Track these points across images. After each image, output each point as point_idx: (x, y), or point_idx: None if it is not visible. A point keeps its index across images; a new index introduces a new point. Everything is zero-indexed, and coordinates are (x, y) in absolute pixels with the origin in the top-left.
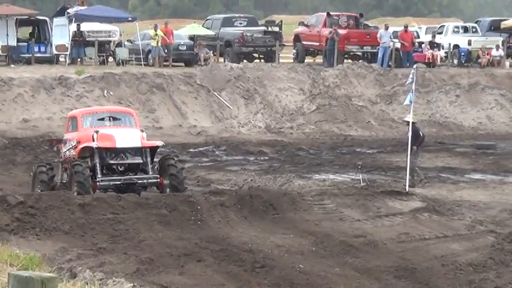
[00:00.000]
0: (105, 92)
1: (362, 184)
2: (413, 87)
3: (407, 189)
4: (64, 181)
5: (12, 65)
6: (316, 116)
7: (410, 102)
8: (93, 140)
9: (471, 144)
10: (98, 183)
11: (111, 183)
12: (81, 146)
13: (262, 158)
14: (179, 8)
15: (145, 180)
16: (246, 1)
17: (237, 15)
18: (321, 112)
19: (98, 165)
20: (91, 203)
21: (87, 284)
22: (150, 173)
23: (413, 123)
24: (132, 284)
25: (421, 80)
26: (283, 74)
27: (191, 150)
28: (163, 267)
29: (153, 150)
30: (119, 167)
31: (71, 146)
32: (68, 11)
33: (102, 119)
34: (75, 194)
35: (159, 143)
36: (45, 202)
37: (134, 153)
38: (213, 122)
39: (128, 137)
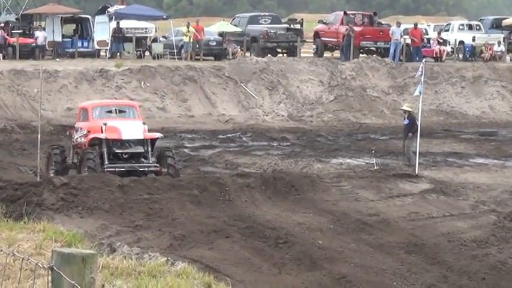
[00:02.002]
0: (142, 83)
1: (375, 167)
2: (422, 80)
3: (416, 172)
4: (75, 161)
5: (58, 59)
6: (334, 106)
7: (420, 93)
8: (102, 132)
9: (475, 132)
10: (105, 169)
11: (117, 169)
12: (91, 135)
13: (284, 144)
14: (209, 7)
15: (146, 168)
16: (270, 0)
17: (262, 13)
18: (338, 102)
19: (105, 153)
20: (129, 184)
21: (125, 258)
22: (151, 161)
23: (410, 112)
24: (166, 258)
25: (429, 73)
26: (304, 67)
27: (220, 136)
28: (194, 243)
29: (153, 141)
30: (123, 155)
31: (82, 134)
32: (109, 9)
33: (110, 111)
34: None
35: (158, 135)
36: (87, 183)
37: (137, 143)
38: (240, 111)
39: (132, 129)
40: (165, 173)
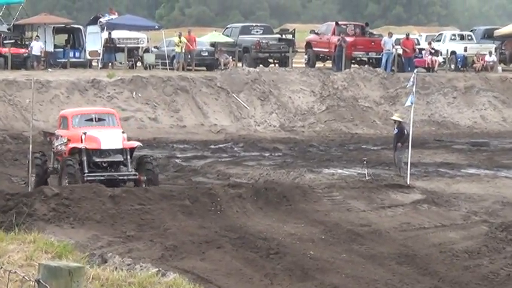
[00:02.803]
0: (134, 93)
1: (367, 178)
2: (414, 90)
3: (408, 183)
4: (56, 166)
5: (50, 69)
6: (325, 116)
7: (412, 103)
8: (82, 141)
9: (467, 142)
10: (85, 178)
11: (96, 178)
12: (71, 145)
13: (276, 154)
14: (201, 18)
15: (125, 177)
16: (262, 11)
17: (254, 24)
18: (330, 112)
19: (85, 162)
20: (120, 194)
21: (116, 269)
22: (130, 169)
23: (400, 122)
24: (157, 269)
25: (421, 83)
26: (296, 77)
27: (212, 146)
28: (186, 254)
29: (132, 149)
30: (103, 164)
31: (62, 142)
32: (100, 20)
33: (89, 120)
34: (66, 183)
35: (137, 144)
36: (78, 194)
37: (116, 152)
38: (232, 121)
39: (111, 138)
40: (144, 180)
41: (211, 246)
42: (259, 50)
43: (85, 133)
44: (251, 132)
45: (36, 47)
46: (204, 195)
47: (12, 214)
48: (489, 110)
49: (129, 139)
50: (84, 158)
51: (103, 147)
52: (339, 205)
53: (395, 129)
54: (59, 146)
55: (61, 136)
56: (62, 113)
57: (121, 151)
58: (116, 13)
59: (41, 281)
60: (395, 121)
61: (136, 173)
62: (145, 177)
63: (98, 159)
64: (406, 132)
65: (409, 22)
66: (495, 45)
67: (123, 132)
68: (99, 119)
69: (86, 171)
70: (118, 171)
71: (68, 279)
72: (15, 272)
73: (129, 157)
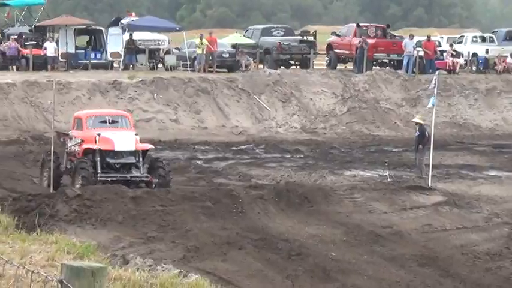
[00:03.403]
0: (155, 95)
1: (389, 180)
2: (435, 92)
3: (429, 185)
4: (68, 167)
5: (71, 70)
6: (347, 118)
7: (433, 105)
8: (95, 142)
9: (488, 144)
10: (98, 178)
11: (109, 179)
12: (85, 146)
13: (298, 156)
14: (223, 19)
15: (137, 178)
16: (283, 12)
17: (275, 25)
18: (351, 114)
19: (98, 163)
20: (142, 195)
21: (138, 270)
22: (142, 171)
23: (421, 124)
24: (179, 270)
25: (442, 85)
26: (317, 79)
27: (233, 148)
28: (207, 255)
29: (145, 151)
30: (116, 165)
31: (76, 143)
32: (122, 21)
33: (103, 121)
34: (79, 186)
35: (150, 146)
36: (100, 195)
37: (129, 154)
38: (253, 123)
39: (124, 140)
40: (156, 183)
41: (233, 247)
42: (280, 51)
43: (99, 134)
44: (272, 134)
45: (50, 49)
46: (225, 196)
47: (34, 215)
48: (511, 112)
49: (142, 141)
50: (98, 159)
51: (116, 148)
52: (361, 207)
53: (417, 131)
54: (72, 147)
55: (75, 137)
56: (76, 114)
57: (134, 153)
58: (133, 14)
59: (64, 281)
60: (416, 123)
61: (148, 175)
62: (157, 180)
63: (111, 161)
64: (427, 135)
65: (431, 24)
66: None
67: (136, 134)
68: (113, 121)
69: (99, 171)
70: (130, 172)
71: (90, 280)
72: (38, 272)
73: (141, 159)
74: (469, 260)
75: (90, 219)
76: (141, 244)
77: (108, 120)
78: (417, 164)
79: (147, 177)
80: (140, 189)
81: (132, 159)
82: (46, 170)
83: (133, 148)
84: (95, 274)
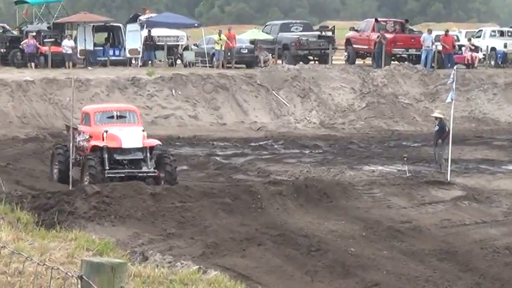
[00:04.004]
0: (174, 91)
1: (408, 175)
2: (454, 86)
3: (448, 180)
4: (78, 159)
5: (90, 67)
6: (365, 113)
7: (452, 99)
8: (103, 139)
9: (507, 138)
10: (105, 175)
11: (117, 175)
12: (92, 143)
13: (316, 151)
14: (241, 15)
15: (145, 174)
16: (301, 8)
17: (293, 21)
18: (370, 109)
19: (106, 159)
20: (161, 192)
21: (157, 266)
22: (149, 167)
23: (440, 118)
24: (198, 266)
25: (461, 79)
26: (336, 74)
27: (252, 144)
28: (226, 251)
29: (152, 147)
30: (123, 161)
31: (84, 138)
32: (140, 18)
33: (111, 117)
34: (87, 182)
35: (157, 142)
36: (119, 192)
37: (136, 150)
38: (272, 119)
39: (131, 137)
40: (163, 178)
41: (252, 243)
42: (298, 47)
43: (106, 131)
44: (291, 130)
45: (67, 46)
46: (244, 192)
47: (53, 212)
48: None
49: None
50: (106, 156)
51: (124, 146)
52: (380, 202)
53: (436, 126)
54: (81, 142)
55: (83, 132)
56: (84, 109)
57: (141, 149)
58: (148, 11)
59: (84, 277)
60: (436, 118)
61: (156, 171)
62: (163, 175)
63: (118, 157)
64: (447, 129)
65: (449, 18)
66: None
67: (143, 130)
68: (120, 116)
69: (107, 168)
70: (138, 168)
71: (110, 275)
72: (58, 269)
73: (148, 155)
74: (488, 254)
75: (109, 216)
76: (160, 241)
77: (116, 115)
78: (436, 159)
79: (154, 172)
80: (159, 186)
81: (139, 156)
82: (56, 163)
83: (140, 145)
84: (115, 270)
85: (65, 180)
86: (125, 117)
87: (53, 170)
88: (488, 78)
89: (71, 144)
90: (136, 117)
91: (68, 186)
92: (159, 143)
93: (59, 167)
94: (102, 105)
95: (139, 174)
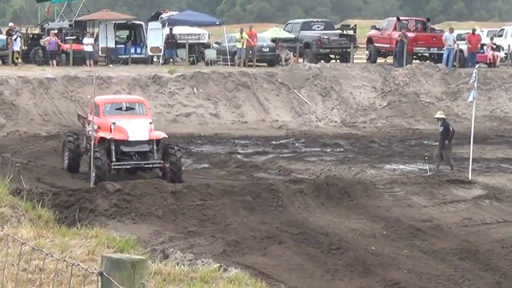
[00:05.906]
0: (195, 89)
1: (429, 173)
2: (475, 85)
3: (470, 178)
4: (88, 147)
5: (111, 65)
6: (387, 112)
7: (474, 99)
8: (111, 131)
9: None
10: (112, 166)
11: (123, 167)
12: (100, 134)
13: (337, 150)
14: (262, 13)
15: (150, 165)
16: (323, 7)
17: (315, 19)
18: (391, 108)
19: (113, 151)
20: (182, 190)
21: (177, 264)
22: (155, 158)
23: (443, 119)
24: (218, 264)
25: (482, 78)
26: (357, 73)
27: (273, 142)
28: (247, 249)
29: (158, 140)
30: (130, 153)
31: (93, 128)
32: (162, 16)
33: (119, 108)
34: (93, 173)
35: (163, 135)
36: (140, 189)
37: (143, 142)
38: (293, 117)
39: (138, 130)
40: (168, 168)
41: (273, 241)
42: (320, 45)
43: (114, 123)
44: (312, 128)
45: (88, 44)
46: (265, 190)
47: (74, 210)
48: None
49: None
50: (112, 148)
51: (130, 138)
52: (401, 201)
53: (441, 126)
54: (90, 131)
55: (93, 122)
56: (94, 100)
57: (148, 141)
58: (168, 11)
59: (104, 273)
60: (438, 119)
61: (161, 162)
62: (169, 165)
63: (125, 149)
64: (451, 129)
65: (470, 17)
66: None
67: (150, 122)
68: (129, 108)
69: (114, 160)
70: (145, 160)
71: (130, 272)
72: (78, 265)
73: (155, 146)
74: (509, 253)
75: (130, 213)
76: (181, 238)
77: (125, 106)
78: (444, 160)
79: (160, 163)
80: (180, 183)
81: (146, 148)
82: (66, 151)
83: (146, 138)
84: (135, 266)
85: (74, 169)
86: (134, 108)
87: (64, 158)
88: (510, 77)
89: (92, 143)
90: (145, 109)
91: (89, 183)
92: (165, 135)
93: (69, 155)
94: (112, 96)
95: (145, 166)
